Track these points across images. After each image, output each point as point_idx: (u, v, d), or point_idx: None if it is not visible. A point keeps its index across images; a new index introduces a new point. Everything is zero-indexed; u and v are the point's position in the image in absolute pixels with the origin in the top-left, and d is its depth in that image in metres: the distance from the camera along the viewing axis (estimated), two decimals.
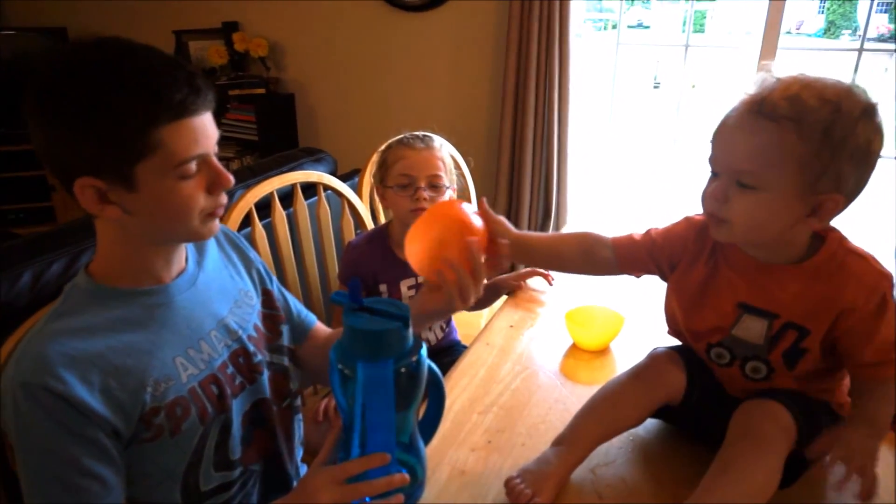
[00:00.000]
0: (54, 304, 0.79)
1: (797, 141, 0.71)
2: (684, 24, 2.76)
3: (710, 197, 0.79)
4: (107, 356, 0.74)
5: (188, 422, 0.80)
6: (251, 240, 1.36)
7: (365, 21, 2.90)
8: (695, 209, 0.89)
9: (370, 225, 1.65)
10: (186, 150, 0.73)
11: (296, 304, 1.05)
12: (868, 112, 0.73)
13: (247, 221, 1.36)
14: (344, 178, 1.73)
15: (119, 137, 0.70)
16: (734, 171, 0.76)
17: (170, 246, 0.83)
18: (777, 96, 0.73)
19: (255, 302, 0.96)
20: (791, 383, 0.85)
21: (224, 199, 0.81)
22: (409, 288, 1.38)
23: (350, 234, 1.59)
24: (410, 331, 0.71)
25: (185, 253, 0.88)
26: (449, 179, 1.36)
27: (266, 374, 0.93)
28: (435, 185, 1.33)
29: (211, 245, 0.95)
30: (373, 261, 1.36)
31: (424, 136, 1.38)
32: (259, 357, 0.92)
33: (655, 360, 0.91)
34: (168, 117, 0.71)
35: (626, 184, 2.97)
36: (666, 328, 0.99)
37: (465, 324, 1.72)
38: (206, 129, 0.75)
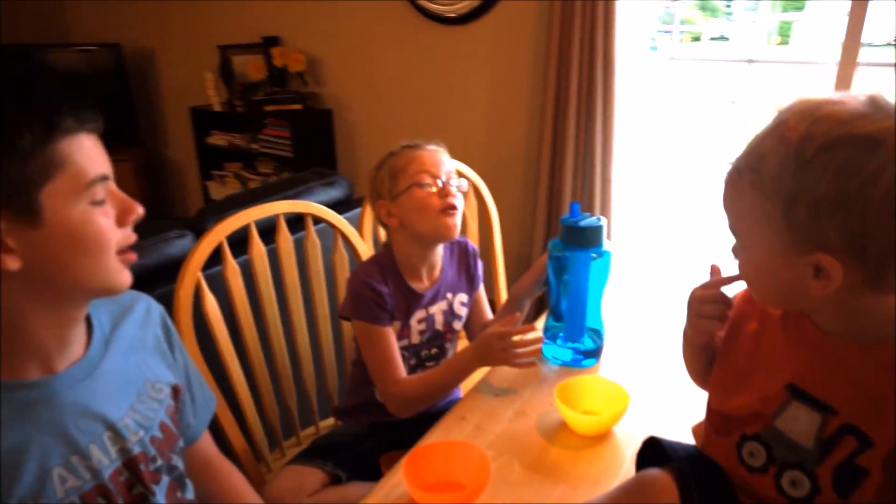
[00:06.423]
0: None
1: (752, 192, 0.61)
2: (769, 35, 2.48)
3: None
4: None
5: None
6: (222, 279, 1.23)
7: (403, 36, 2.78)
8: None
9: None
10: (93, 167, 0.65)
11: (199, 407, 0.92)
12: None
13: (216, 259, 1.23)
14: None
15: (19, 150, 0.59)
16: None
17: (68, 315, 0.69)
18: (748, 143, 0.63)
19: (165, 395, 0.82)
20: None
21: (134, 235, 0.71)
22: (420, 321, 1.22)
23: (343, 271, 1.44)
24: (605, 234, 1.09)
25: (84, 329, 0.74)
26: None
27: (164, 482, 0.78)
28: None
29: (132, 320, 0.81)
30: (392, 296, 1.18)
31: (428, 141, 1.22)
32: (160, 462, 0.78)
33: (644, 483, 0.71)
34: (69, 128, 0.63)
35: (677, 208, 2.69)
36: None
37: None
38: (103, 150, 0.68)
